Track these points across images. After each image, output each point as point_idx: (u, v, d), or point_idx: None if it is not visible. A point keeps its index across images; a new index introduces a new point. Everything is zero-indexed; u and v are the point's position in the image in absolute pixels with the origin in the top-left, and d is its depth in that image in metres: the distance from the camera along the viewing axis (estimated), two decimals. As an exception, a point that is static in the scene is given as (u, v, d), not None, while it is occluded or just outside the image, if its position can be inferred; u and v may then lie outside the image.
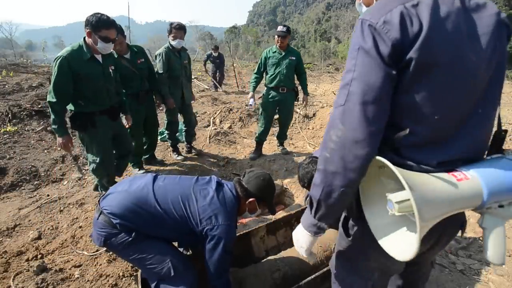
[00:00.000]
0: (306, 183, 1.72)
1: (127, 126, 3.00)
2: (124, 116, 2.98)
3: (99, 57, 2.42)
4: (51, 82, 2.24)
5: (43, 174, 3.51)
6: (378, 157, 0.76)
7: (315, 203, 0.86)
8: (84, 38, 2.34)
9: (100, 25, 2.24)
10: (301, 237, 0.94)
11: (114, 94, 2.63)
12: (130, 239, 1.40)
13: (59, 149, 2.75)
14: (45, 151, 3.96)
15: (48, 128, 4.38)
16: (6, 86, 6.51)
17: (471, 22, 0.77)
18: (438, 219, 0.74)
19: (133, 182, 1.54)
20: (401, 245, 0.78)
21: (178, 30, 3.43)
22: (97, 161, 2.58)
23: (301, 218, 0.95)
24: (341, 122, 0.77)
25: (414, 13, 0.72)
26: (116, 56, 2.96)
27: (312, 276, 1.63)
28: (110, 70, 2.54)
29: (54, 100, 2.25)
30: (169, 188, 1.52)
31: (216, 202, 1.48)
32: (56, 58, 2.26)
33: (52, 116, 2.30)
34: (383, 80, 0.73)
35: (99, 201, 1.51)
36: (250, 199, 1.60)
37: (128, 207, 1.41)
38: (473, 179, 0.75)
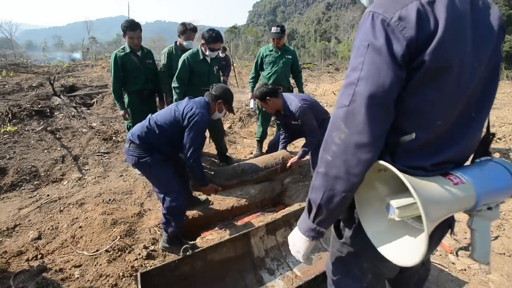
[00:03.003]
0: (258, 95, 2.88)
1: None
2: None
3: (208, 59, 3.31)
4: (176, 74, 3.22)
5: (43, 174, 3.51)
6: (380, 161, 0.74)
7: (315, 208, 0.81)
8: (200, 45, 3.30)
9: (211, 40, 3.11)
10: (297, 241, 0.89)
11: None
12: (152, 159, 2.17)
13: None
14: (45, 151, 3.95)
15: (48, 128, 4.38)
16: (6, 86, 6.51)
17: (476, 25, 0.72)
18: (438, 223, 0.74)
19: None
20: (404, 250, 0.77)
21: (193, 32, 3.63)
22: None
23: (298, 223, 0.90)
24: (345, 125, 0.72)
25: (430, 11, 0.66)
26: (128, 51, 3.28)
27: (313, 276, 1.64)
28: (214, 69, 3.41)
29: (177, 85, 3.23)
30: (162, 112, 2.36)
31: (194, 103, 2.31)
32: (181, 58, 3.24)
33: (175, 96, 3.26)
34: (393, 82, 0.67)
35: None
36: (218, 101, 2.43)
37: (142, 131, 2.21)
38: (467, 183, 0.76)
